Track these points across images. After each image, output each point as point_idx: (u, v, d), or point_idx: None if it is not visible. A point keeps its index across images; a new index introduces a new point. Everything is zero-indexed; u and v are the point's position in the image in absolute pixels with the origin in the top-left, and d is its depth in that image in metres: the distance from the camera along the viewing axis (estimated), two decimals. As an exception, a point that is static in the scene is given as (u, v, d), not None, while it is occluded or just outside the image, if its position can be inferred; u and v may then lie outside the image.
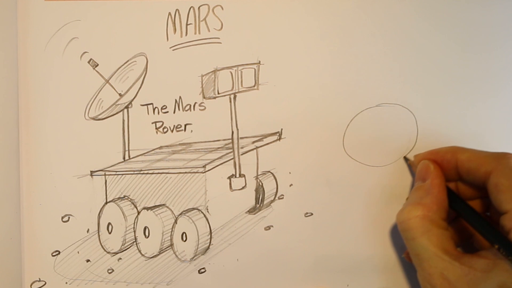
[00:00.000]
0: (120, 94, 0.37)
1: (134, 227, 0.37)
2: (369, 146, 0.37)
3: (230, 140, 0.37)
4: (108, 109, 0.37)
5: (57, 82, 0.36)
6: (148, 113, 0.37)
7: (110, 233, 0.37)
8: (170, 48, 0.37)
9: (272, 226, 0.37)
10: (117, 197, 0.37)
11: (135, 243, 0.37)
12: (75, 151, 0.36)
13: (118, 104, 0.37)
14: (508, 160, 0.30)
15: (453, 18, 0.37)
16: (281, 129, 0.37)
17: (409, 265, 0.37)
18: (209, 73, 0.37)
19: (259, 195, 0.37)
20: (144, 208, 0.37)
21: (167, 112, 0.37)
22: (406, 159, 0.37)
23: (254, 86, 0.37)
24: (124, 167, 0.37)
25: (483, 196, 0.33)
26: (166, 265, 0.37)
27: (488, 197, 0.31)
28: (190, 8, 0.36)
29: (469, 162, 0.32)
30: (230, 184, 0.37)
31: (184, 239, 0.37)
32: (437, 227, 0.30)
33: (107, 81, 0.36)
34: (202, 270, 0.37)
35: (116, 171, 0.37)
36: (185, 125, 0.37)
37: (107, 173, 0.37)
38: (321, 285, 0.37)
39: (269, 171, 0.37)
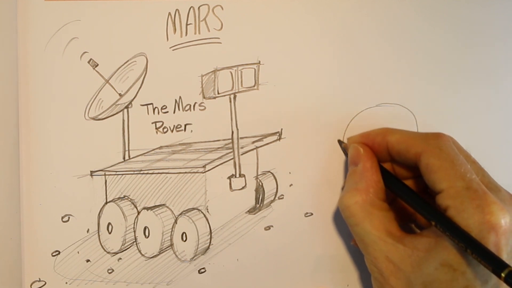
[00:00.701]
0: (120, 94, 0.37)
1: (134, 227, 0.37)
2: (369, 146, 0.37)
3: (230, 140, 0.37)
4: (108, 109, 0.37)
5: (57, 82, 0.36)
6: (148, 113, 0.37)
7: (110, 233, 0.37)
8: (170, 48, 0.37)
9: (272, 226, 0.37)
10: (117, 197, 0.37)
11: (135, 243, 0.37)
12: (75, 151, 0.36)
13: (118, 104, 0.37)
14: (436, 140, 0.30)
15: (454, 18, 0.37)
16: (281, 129, 0.37)
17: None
18: (209, 73, 0.37)
19: (259, 195, 0.37)
20: (144, 208, 0.37)
21: (167, 112, 0.37)
22: (340, 142, 0.37)
23: (254, 86, 0.37)
24: (124, 167, 0.37)
25: (418, 175, 0.33)
26: (166, 265, 0.37)
27: (420, 177, 0.31)
28: (190, 8, 0.36)
29: (398, 144, 0.32)
30: (230, 184, 0.37)
31: (184, 239, 0.37)
32: (378, 210, 0.31)
33: (107, 81, 0.36)
34: (202, 270, 0.37)
35: (116, 171, 0.37)
36: (185, 125, 0.37)
37: (107, 173, 0.37)
38: (321, 285, 0.37)
39: (269, 171, 0.37)
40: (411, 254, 0.29)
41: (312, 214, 0.37)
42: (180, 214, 0.37)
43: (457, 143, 0.32)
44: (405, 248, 0.29)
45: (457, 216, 0.28)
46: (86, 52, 0.36)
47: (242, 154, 0.37)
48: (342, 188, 0.37)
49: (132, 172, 0.37)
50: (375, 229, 0.30)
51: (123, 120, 0.37)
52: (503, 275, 0.25)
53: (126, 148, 0.37)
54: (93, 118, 0.37)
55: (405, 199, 0.32)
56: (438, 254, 0.28)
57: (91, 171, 0.36)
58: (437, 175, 0.29)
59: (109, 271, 0.37)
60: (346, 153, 0.36)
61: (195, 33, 0.37)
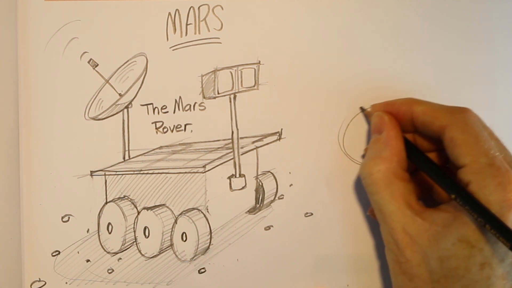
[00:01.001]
0: (120, 94, 0.37)
1: (134, 227, 0.37)
2: (369, 146, 0.37)
3: (230, 140, 0.37)
4: (108, 109, 0.37)
5: (57, 82, 0.36)
6: (148, 113, 0.37)
7: (110, 233, 0.37)
8: (170, 48, 0.37)
9: (272, 226, 0.37)
10: (117, 197, 0.37)
11: (135, 243, 0.37)
12: (75, 151, 0.36)
13: (118, 104, 0.37)
14: (462, 115, 0.30)
15: (454, 18, 0.37)
16: (281, 129, 0.37)
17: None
18: (209, 73, 0.37)
19: (259, 195, 0.37)
20: (144, 208, 0.37)
21: (167, 112, 0.37)
22: (362, 109, 0.36)
23: (254, 86, 0.37)
24: (124, 167, 0.37)
25: (440, 148, 0.33)
26: (166, 265, 0.37)
27: (443, 150, 0.31)
28: (190, 8, 0.36)
29: (424, 115, 0.32)
30: (230, 184, 0.37)
31: (184, 239, 0.37)
32: (400, 180, 0.30)
33: (107, 81, 0.36)
34: (202, 270, 0.37)
35: (116, 171, 0.37)
36: (185, 125, 0.37)
37: (107, 173, 0.37)
38: (321, 285, 0.37)
39: (269, 171, 0.37)
40: (428, 228, 0.29)
41: (312, 214, 0.37)
42: (180, 214, 0.37)
43: (482, 120, 0.31)
44: (423, 222, 0.29)
45: (478, 191, 0.28)
46: (86, 52, 0.36)
47: (242, 154, 0.37)
48: (343, 189, 0.37)
49: (132, 172, 0.37)
50: (395, 200, 0.30)
51: (123, 120, 0.37)
52: None
53: (126, 148, 0.37)
54: (93, 118, 0.37)
55: (427, 171, 0.31)
56: (456, 229, 0.28)
57: (91, 171, 0.36)
58: (460, 149, 0.29)
59: (109, 271, 0.37)
60: (368, 122, 0.36)
61: (195, 33, 0.37)
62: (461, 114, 0.30)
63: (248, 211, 0.37)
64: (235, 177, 0.37)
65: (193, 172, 0.37)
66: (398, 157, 0.31)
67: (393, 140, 0.32)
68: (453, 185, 0.29)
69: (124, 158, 0.37)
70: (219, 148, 0.37)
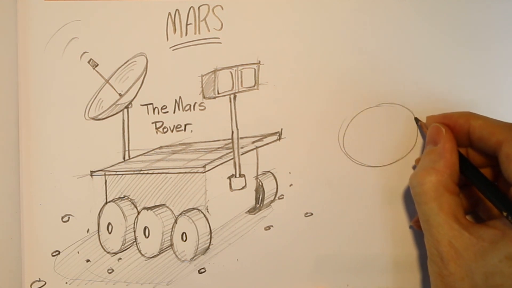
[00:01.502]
0: (120, 94, 0.37)
1: (134, 227, 0.37)
2: (369, 146, 0.37)
3: (230, 140, 0.37)
4: (108, 109, 0.37)
5: (57, 82, 0.36)
6: (148, 113, 0.37)
7: (110, 233, 0.37)
8: (170, 48, 0.37)
9: (272, 226, 0.37)
10: (117, 197, 0.37)
11: (135, 243, 0.37)
12: (75, 151, 0.36)
13: (118, 104, 0.37)
14: None
15: (454, 18, 0.37)
16: (281, 129, 0.37)
17: (409, 265, 0.37)
18: (209, 73, 0.37)
19: (259, 195, 0.37)
20: (144, 208, 0.37)
21: (167, 112, 0.37)
22: (416, 120, 0.37)
23: (254, 86, 0.37)
24: (124, 167, 0.37)
25: (492, 164, 0.33)
26: (166, 265, 0.37)
27: (498, 167, 0.31)
28: (190, 8, 0.36)
29: (481, 129, 0.31)
30: (230, 184, 0.37)
31: (184, 239, 0.37)
32: (450, 193, 0.30)
33: (107, 81, 0.36)
34: (202, 270, 0.37)
35: (116, 171, 0.37)
36: (185, 125, 0.37)
37: (107, 173, 0.37)
38: (321, 285, 0.37)
39: (269, 171, 0.37)
40: (475, 243, 0.28)
41: (312, 214, 0.37)
42: (180, 214, 0.37)
43: None
44: (470, 236, 0.29)
45: None
46: (86, 52, 0.36)
47: (242, 154, 0.37)
48: (343, 189, 0.37)
49: (132, 172, 0.37)
50: (443, 212, 0.30)
51: (123, 120, 0.37)
52: None
53: (126, 148, 0.37)
54: (93, 118, 0.37)
55: (480, 187, 0.31)
56: (504, 246, 0.28)
57: (91, 171, 0.36)
58: None
59: (109, 271, 0.37)
60: (422, 132, 0.36)
61: (195, 33, 0.37)
62: None
63: (248, 211, 0.37)
64: (235, 177, 0.37)
65: (193, 172, 0.37)
66: (452, 170, 0.31)
67: (448, 153, 0.31)
68: (506, 202, 0.29)
69: (124, 158, 0.37)
70: (219, 148, 0.37)
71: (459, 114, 0.33)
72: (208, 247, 0.37)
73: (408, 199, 0.37)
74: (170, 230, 0.37)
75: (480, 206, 0.34)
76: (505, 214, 0.28)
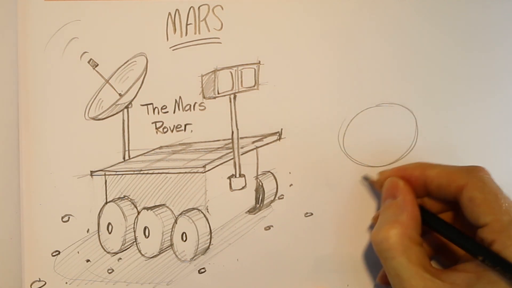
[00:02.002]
0: (120, 94, 0.37)
1: (134, 227, 0.37)
2: (369, 146, 0.37)
3: (230, 140, 0.37)
4: (108, 109, 0.37)
5: (57, 82, 0.36)
6: (148, 113, 0.37)
7: (110, 233, 0.37)
8: (170, 48, 0.37)
9: (272, 226, 0.37)
10: (117, 197, 0.37)
11: (135, 243, 0.37)
12: (75, 151, 0.36)
13: (118, 104, 0.37)
14: (479, 173, 0.30)
15: (453, 18, 0.37)
16: (281, 129, 0.37)
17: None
18: (209, 73, 0.37)
19: (259, 195, 0.37)
20: (144, 208, 0.37)
21: (167, 112, 0.37)
22: (365, 178, 0.37)
23: (254, 86, 0.37)
24: (124, 167, 0.37)
25: (449, 209, 0.33)
26: (166, 265, 0.37)
27: (456, 211, 0.31)
28: (190, 8, 0.36)
29: (439, 178, 0.32)
30: (230, 184, 0.37)
31: (184, 239, 0.37)
32: (416, 244, 0.30)
33: (107, 81, 0.36)
34: (202, 270, 0.37)
35: (116, 171, 0.37)
36: (185, 125, 0.37)
37: (107, 173, 0.37)
38: (321, 285, 0.37)
39: (269, 171, 0.37)
40: None
41: (312, 214, 0.37)
42: (180, 214, 0.37)
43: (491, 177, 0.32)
44: (443, 283, 0.28)
45: (504, 250, 0.27)
46: (86, 52, 0.36)
47: (242, 154, 0.37)
48: (343, 189, 0.37)
49: (132, 172, 0.37)
50: (412, 264, 0.29)
51: (123, 120, 0.37)
52: None
53: (126, 148, 0.37)
54: (93, 118, 0.37)
55: (447, 235, 0.31)
56: None
57: (91, 171, 0.36)
58: (481, 209, 0.29)
59: (109, 271, 0.37)
60: (373, 189, 0.37)
61: (195, 33, 0.37)
62: (477, 173, 0.30)
63: (248, 211, 0.37)
64: (235, 177, 0.37)
65: (193, 172, 0.37)
66: (415, 221, 0.31)
67: (410, 205, 0.31)
68: (479, 247, 0.29)
69: (124, 158, 0.37)
70: (219, 148, 0.37)
71: (413, 166, 0.33)
72: (208, 247, 0.37)
73: (408, 199, 0.37)
74: (170, 230, 0.37)
75: (442, 252, 0.34)
76: (480, 258, 0.28)
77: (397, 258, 0.30)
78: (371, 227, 0.37)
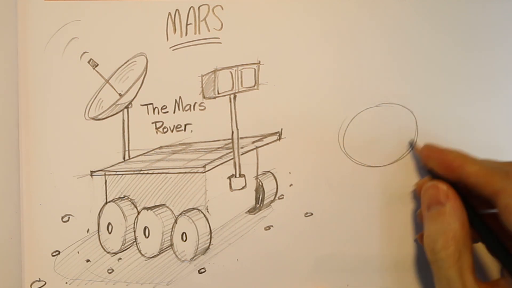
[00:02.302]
0: (120, 94, 0.37)
1: (134, 227, 0.37)
2: (369, 146, 0.37)
3: (230, 140, 0.37)
4: (108, 109, 0.37)
5: (57, 82, 0.36)
6: (148, 113, 0.37)
7: (110, 233, 0.37)
8: (170, 48, 0.37)
9: (272, 226, 0.37)
10: (117, 197, 0.37)
11: (135, 243, 0.37)
12: (75, 151, 0.36)
13: (118, 104, 0.37)
14: None
15: (453, 18, 0.37)
16: (281, 129, 0.37)
17: (409, 265, 0.37)
18: (209, 73, 0.37)
19: (259, 195, 0.37)
20: (144, 208, 0.37)
21: (167, 112, 0.37)
22: (411, 145, 0.36)
23: (254, 86, 0.37)
24: (124, 167, 0.37)
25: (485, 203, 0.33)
26: (166, 265, 0.37)
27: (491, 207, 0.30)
28: (190, 8, 0.36)
29: (477, 177, 0.31)
30: (230, 184, 0.37)
31: (184, 239, 0.37)
32: (467, 251, 0.30)
33: (107, 81, 0.36)
34: (202, 270, 0.37)
35: (116, 171, 0.37)
36: (185, 125, 0.37)
37: (107, 173, 0.37)
38: (321, 285, 0.37)
39: (269, 171, 0.37)
40: None
41: (312, 214, 0.37)
42: (180, 214, 0.37)
43: None
44: None
45: None
46: (86, 52, 0.36)
47: (242, 154, 0.37)
48: (343, 189, 0.37)
49: (132, 172, 0.37)
50: (464, 275, 0.29)
51: (123, 120, 0.37)
52: None
53: (126, 148, 0.37)
54: (93, 118, 0.37)
55: (487, 244, 0.31)
56: None
57: (91, 171, 0.36)
58: None
59: (109, 271, 0.37)
60: (416, 156, 0.36)
61: (195, 33, 0.37)
62: None
63: (248, 211, 0.37)
64: (235, 177, 0.37)
65: (193, 172, 0.37)
66: (466, 229, 0.30)
67: (460, 212, 0.31)
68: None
69: (124, 158, 0.37)
70: (219, 148, 0.37)
71: (454, 155, 0.32)
72: (208, 247, 0.37)
73: (408, 199, 0.37)
74: (170, 230, 0.37)
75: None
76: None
77: (451, 268, 0.29)
78: (371, 226, 0.37)
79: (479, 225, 0.31)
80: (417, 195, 0.36)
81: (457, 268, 0.29)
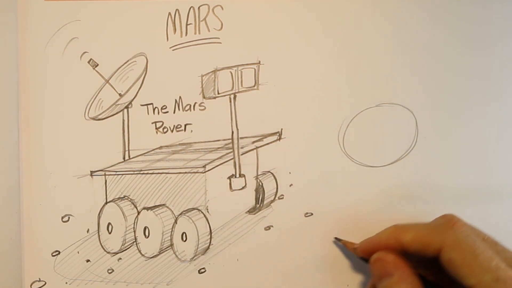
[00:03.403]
0: (120, 94, 0.37)
1: (134, 227, 0.37)
2: (369, 146, 0.37)
3: (230, 140, 0.37)
4: (108, 109, 0.37)
5: (57, 82, 0.36)
6: (148, 113, 0.37)
7: (110, 233, 0.37)
8: (170, 48, 0.37)
9: (272, 226, 0.37)
10: (117, 197, 0.37)
11: (135, 243, 0.37)
12: (75, 151, 0.36)
13: (118, 104, 0.37)
14: (451, 231, 0.30)
15: (454, 18, 0.37)
16: (281, 129, 0.37)
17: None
18: (209, 73, 0.37)
19: (259, 195, 0.37)
20: (144, 208, 0.37)
21: (167, 112, 0.37)
22: (337, 239, 0.37)
23: (254, 86, 0.37)
24: (124, 167, 0.37)
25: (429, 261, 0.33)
26: (166, 265, 0.37)
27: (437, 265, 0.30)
28: (190, 8, 0.36)
29: (414, 243, 0.31)
30: (230, 184, 0.37)
31: (184, 239, 0.37)
32: None
33: (107, 81, 0.36)
34: (202, 270, 0.37)
35: (116, 171, 0.37)
36: (185, 125, 0.37)
37: (107, 173, 0.37)
38: (321, 285, 0.37)
39: (269, 171, 0.37)
40: None
41: (312, 214, 0.37)
42: (180, 214, 0.37)
43: (468, 224, 0.31)
44: None
45: None
46: (86, 52, 0.36)
47: (242, 154, 0.37)
48: (343, 189, 0.37)
49: (132, 172, 0.37)
50: None
51: (123, 120, 0.37)
52: None
53: (126, 148, 0.37)
54: (93, 118, 0.37)
55: None
56: None
57: (91, 171, 0.36)
58: (463, 270, 0.28)
59: (109, 271, 0.37)
60: (345, 251, 0.36)
61: (195, 33, 0.37)
62: (449, 230, 0.30)
63: (248, 211, 0.37)
64: (235, 177, 0.37)
65: (193, 172, 0.37)
66: None
67: (411, 278, 0.30)
68: None
69: (124, 158, 0.37)
70: (219, 148, 0.37)
71: (386, 236, 0.32)
72: (208, 247, 0.37)
73: (408, 199, 0.37)
74: (170, 230, 0.37)
75: None
76: None
77: None
78: (371, 226, 0.37)
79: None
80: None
81: None
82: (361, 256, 0.34)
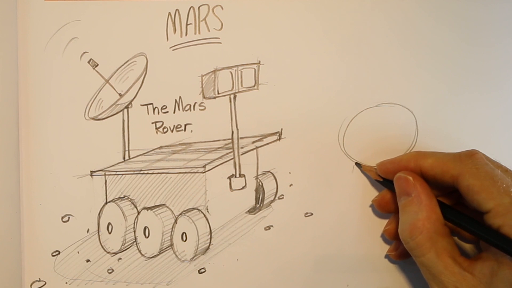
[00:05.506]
0: (120, 94, 0.37)
1: (134, 227, 0.37)
2: (369, 146, 0.37)
3: (230, 140, 0.37)
4: (108, 109, 0.37)
5: (57, 82, 0.36)
6: (148, 113, 0.37)
7: (110, 233, 0.37)
8: (170, 48, 0.37)
9: (272, 226, 0.37)
10: (117, 197, 0.37)
11: (135, 243, 0.37)
12: (75, 151, 0.36)
13: (118, 104, 0.37)
14: (471, 160, 0.30)
15: (454, 18, 0.37)
16: (281, 129, 0.37)
17: (409, 265, 0.37)
18: (209, 73, 0.37)
19: (259, 195, 0.37)
20: (144, 208, 0.37)
21: (167, 112, 0.37)
22: (358, 164, 0.37)
23: (254, 86, 0.37)
24: (124, 167, 0.37)
25: (449, 192, 0.33)
26: (166, 265, 0.37)
27: (452, 190, 0.31)
28: (190, 8, 0.36)
29: (433, 169, 0.31)
30: (230, 184, 0.37)
31: (184, 239, 0.37)
32: (442, 237, 0.30)
33: (107, 81, 0.36)
34: (202, 270, 0.37)
35: (116, 171, 0.37)
36: (185, 125, 0.37)
37: (107, 173, 0.37)
38: (321, 285, 0.37)
39: (269, 171, 0.37)
40: (479, 282, 0.28)
41: (312, 214, 0.37)
42: (180, 214, 0.37)
43: (488, 157, 0.31)
44: (472, 277, 0.29)
45: None
46: (86, 52, 0.36)
47: (242, 154, 0.37)
48: (343, 189, 0.37)
49: (132, 172, 0.37)
50: (441, 259, 0.30)
51: (123, 120, 0.37)
52: None
53: (126, 148, 0.37)
54: (93, 118, 0.37)
55: (465, 227, 0.31)
56: (505, 275, 0.28)
57: (91, 171, 0.36)
58: (481, 196, 0.29)
59: (109, 271, 0.37)
60: (366, 176, 0.37)
61: (195, 33, 0.37)
62: (469, 159, 0.30)
63: (248, 211, 0.37)
64: (235, 177, 0.37)
65: (193, 172, 0.37)
66: (436, 214, 0.31)
67: (428, 198, 0.31)
68: (490, 233, 0.29)
69: (124, 158, 0.37)
70: (219, 148, 0.37)
71: (407, 158, 0.33)
72: (208, 247, 0.37)
73: (408, 199, 0.37)
74: (170, 230, 0.37)
75: (460, 233, 0.34)
76: (494, 245, 0.28)
77: (426, 254, 0.30)
78: (371, 226, 0.37)
79: (452, 213, 0.31)
80: (376, 208, 0.36)
81: (432, 254, 0.30)
82: (378, 177, 0.35)
